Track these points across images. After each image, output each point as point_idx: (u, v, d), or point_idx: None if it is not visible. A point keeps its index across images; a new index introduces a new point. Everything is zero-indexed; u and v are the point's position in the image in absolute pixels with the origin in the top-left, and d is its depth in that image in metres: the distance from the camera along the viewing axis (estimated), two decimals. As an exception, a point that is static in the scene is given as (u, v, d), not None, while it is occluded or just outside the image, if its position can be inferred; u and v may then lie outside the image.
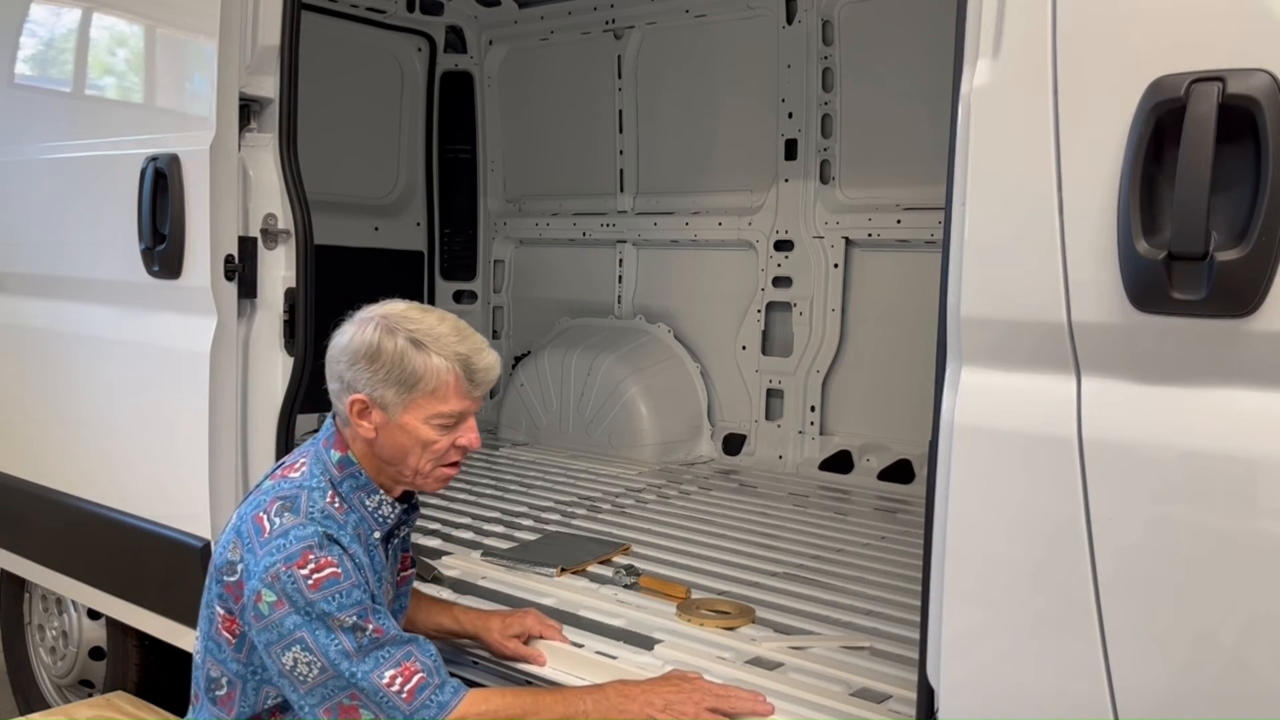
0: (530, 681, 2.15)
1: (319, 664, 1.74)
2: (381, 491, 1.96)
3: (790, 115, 4.11)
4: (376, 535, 1.94)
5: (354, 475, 1.93)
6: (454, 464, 1.97)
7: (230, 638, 1.87)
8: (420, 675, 1.78)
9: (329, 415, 2.01)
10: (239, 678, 1.89)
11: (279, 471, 1.96)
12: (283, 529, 1.80)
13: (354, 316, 1.94)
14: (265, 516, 1.83)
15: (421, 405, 1.88)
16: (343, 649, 1.74)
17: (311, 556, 1.77)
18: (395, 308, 1.94)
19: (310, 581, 1.75)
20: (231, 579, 1.83)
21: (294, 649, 1.75)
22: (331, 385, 1.94)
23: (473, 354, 1.90)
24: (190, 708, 2.01)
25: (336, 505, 1.88)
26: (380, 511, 1.96)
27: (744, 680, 2.05)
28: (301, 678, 1.76)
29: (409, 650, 1.80)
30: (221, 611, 1.87)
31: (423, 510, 2.71)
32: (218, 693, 1.91)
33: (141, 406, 2.79)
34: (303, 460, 1.95)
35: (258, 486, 1.98)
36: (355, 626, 1.76)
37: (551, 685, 2.10)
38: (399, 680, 1.76)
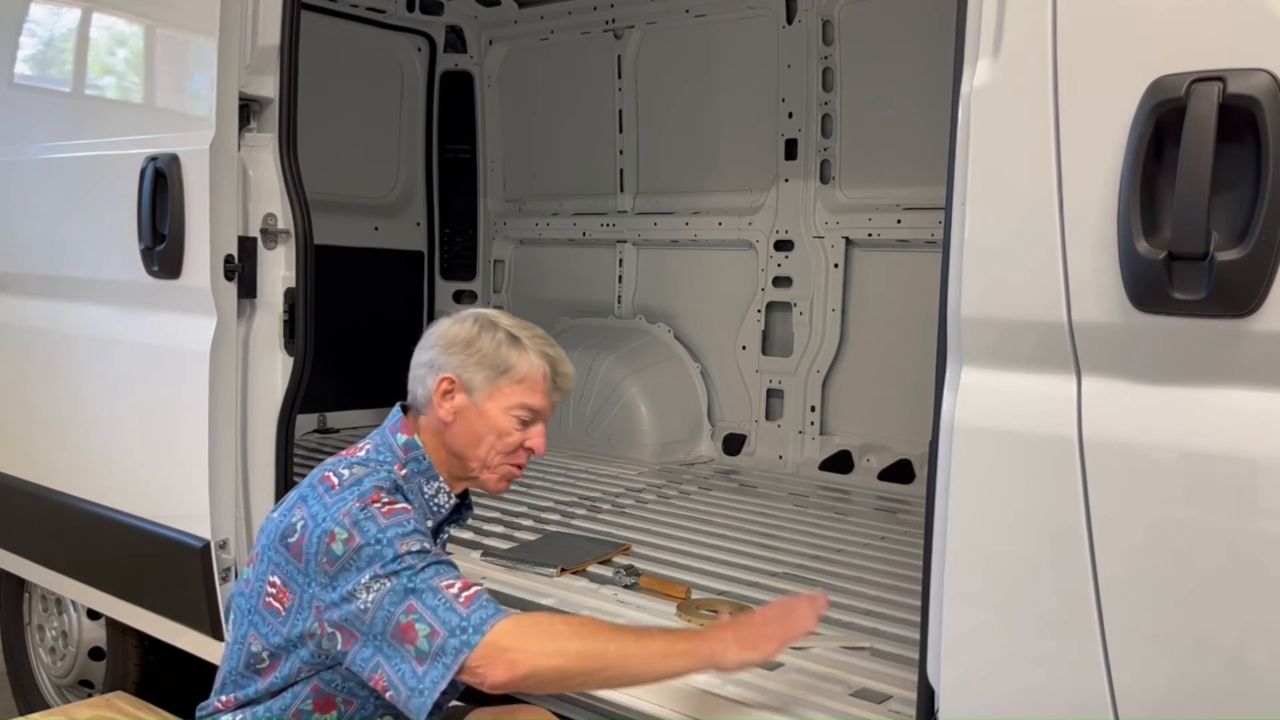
0: None
1: (384, 586, 1.72)
2: (441, 479, 1.99)
3: (790, 115, 4.11)
4: (429, 524, 1.96)
5: (417, 459, 1.96)
6: (520, 466, 2.02)
7: (280, 609, 1.85)
8: (478, 588, 1.77)
9: (397, 404, 2.05)
10: (281, 649, 1.87)
11: (341, 454, 2.00)
12: (354, 478, 1.85)
13: (450, 315, 2.07)
14: (333, 474, 1.87)
15: (506, 394, 1.95)
16: (408, 565, 1.74)
17: (384, 496, 1.81)
18: (490, 310, 2.07)
19: (384, 511, 1.78)
20: (294, 539, 1.82)
21: (365, 578, 1.73)
22: (416, 371, 2.01)
23: (559, 359, 2.02)
24: (214, 693, 1.99)
25: (403, 475, 1.93)
26: (436, 500, 1.99)
27: (744, 680, 2.05)
28: (364, 608, 1.73)
29: (461, 575, 1.81)
30: (277, 581, 1.84)
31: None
32: (260, 666, 1.90)
33: (141, 407, 2.79)
34: (367, 444, 2.00)
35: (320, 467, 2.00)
36: (420, 550, 1.77)
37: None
38: (458, 586, 1.75)
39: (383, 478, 1.86)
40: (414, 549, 1.76)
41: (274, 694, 1.90)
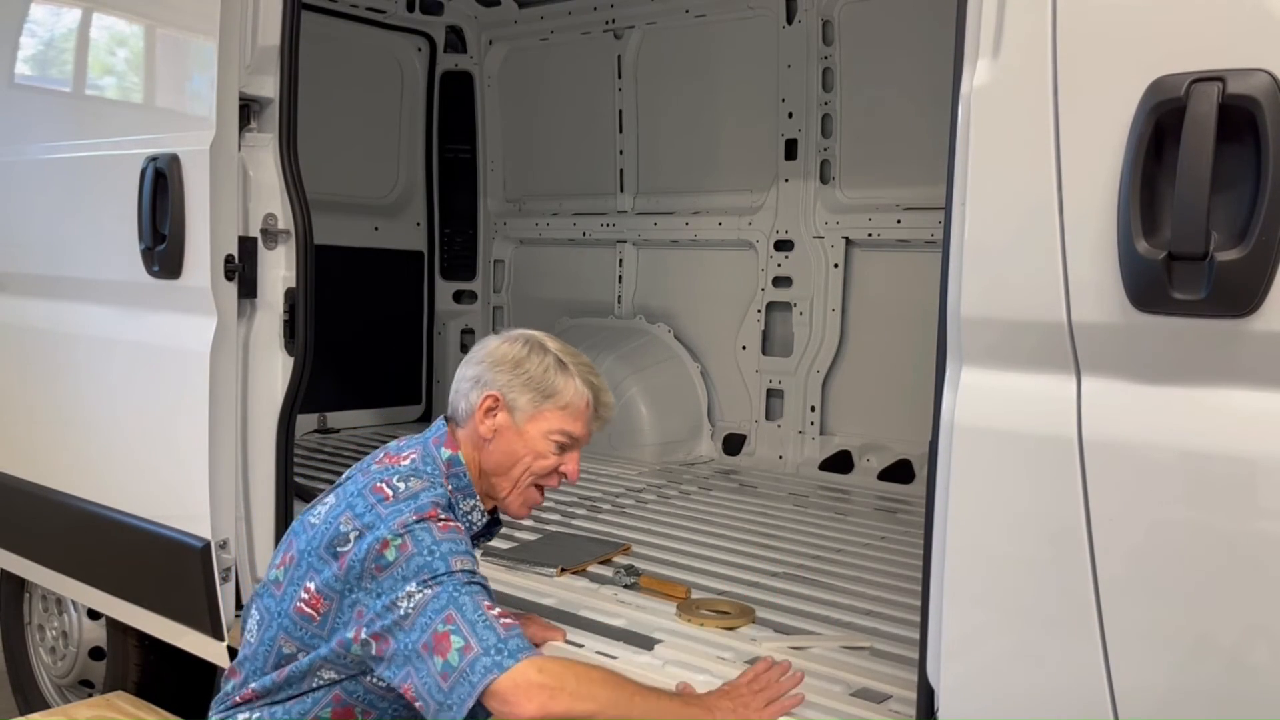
0: None
1: (427, 594, 1.73)
2: (477, 498, 2.02)
3: (790, 115, 4.11)
4: None
5: (458, 476, 1.99)
6: (542, 490, 2.06)
7: (315, 615, 1.85)
8: (516, 623, 1.79)
9: (441, 416, 2.08)
10: (312, 651, 1.88)
11: (382, 459, 2.00)
12: (410, 491, 1.86)
13: (500, 334, 2.11)
14: (386, 485, 1.88)
15: (548, 417, 1.99)
16: (456, 580, 1.76)
17: (440, 513, 1.84)
18: (540, 333, 2.10)
19: (440, 526, 1.81)
20: (345, 548, 1.82)
21: (409, 586, 1.74)
22: (462, 385, 2.04)
23: (603, 390, 2.07)
24: (228, 681, 1.99)
25: (449, 490, 1.96)
26: (471, 516, 2.02)
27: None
28: (405, 613, 1.73)
29: (505, 609, 1.82)
30: (312, 588, 1.85)
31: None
32: (290, 665, 1.92)
33: (142, 407, 2.79)
34: (411, 453, 2.00)
35: (361, 469, 2.00)
36: (472, 570, 1.80)
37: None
38: (497, 609, 1.77)
39: (439, 494, 1.89)
40: (466, 567, 1.79)
41: (292, 688, 1.90)
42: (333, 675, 1.88)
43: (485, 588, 1.81)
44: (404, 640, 1.74)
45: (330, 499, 1.96)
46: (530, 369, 2.00)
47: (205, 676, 3.18)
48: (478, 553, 2.09)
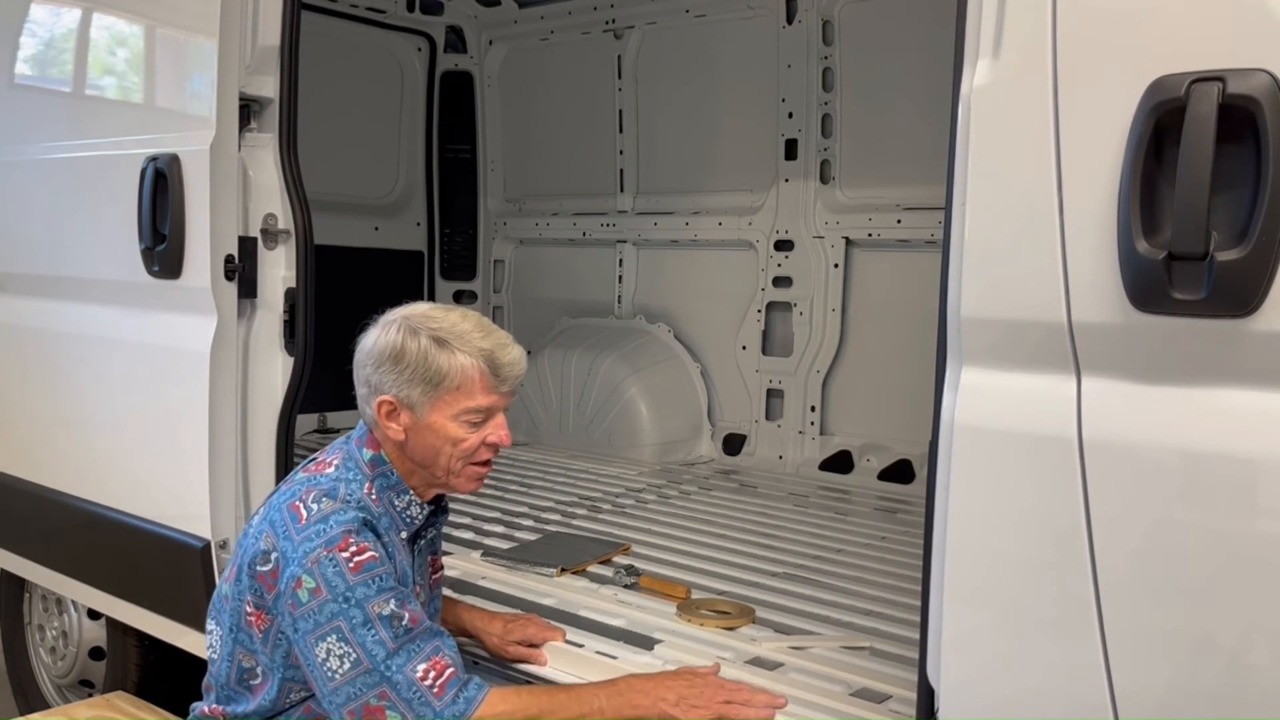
0: (533, 682, 2.15)
1: (353, 656, 1.73)
2: (411, 493, 1.97)
3: (790, 115, 4.11)
4: (403, 535, 1.95)
5: (385, 475, 1.94)
6: (485, 462, 1.97)
7: (258, 631, 1.87)
8: (451, 670, 1.78)
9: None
10: (269, 670, 1.89)
11: (310, 467, 1.97)
12: (321, 514, 1.81)
13: (377, 320, 1.96)
14: (301, 504, 1.83)
15: (448, 403, 1.88)
16: (380, 639, 1.74)
17: (352, 541, 1.78)
18: (417, 309, 1.95)
19: (351, 565, 1.76)
20: (265, 568, 1.82)
21: (329, 639, 1.74)
22: (359, 390, 1.96)
23: (497, 349, 1.91)
24: (206, 697, 2.01)
25: (373, 498, 1.90)
26: (409, 512, 1.97)
27: (744, 680, 2.05)
28: (331, 673, 1.74)
29: (437, 644, 1.80)
30: (251, 604, 1.86)
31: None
32: (252, 682, 1.92)
33: (142, 407, 2.79)
34: (335, 458, 1.96)
35: (288, 479, 1.98)
36: (393, 615, 1.76)
37: (560, 684, 2.09)
38: (431, 674, 1.75)
39: (350, 519, 1.80)
40: (384, 613, 1.75)
41: (266, 714, 1.91)
42: (298, 690, 1.89)
43: (411, 641, 1.77)
44: (331, 697, 1.76)
45: (263, 508, 1.95)
46: (410, 360, 1.87)
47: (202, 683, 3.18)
48: (427, 537, 2.06)
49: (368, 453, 1.94)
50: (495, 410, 1.93)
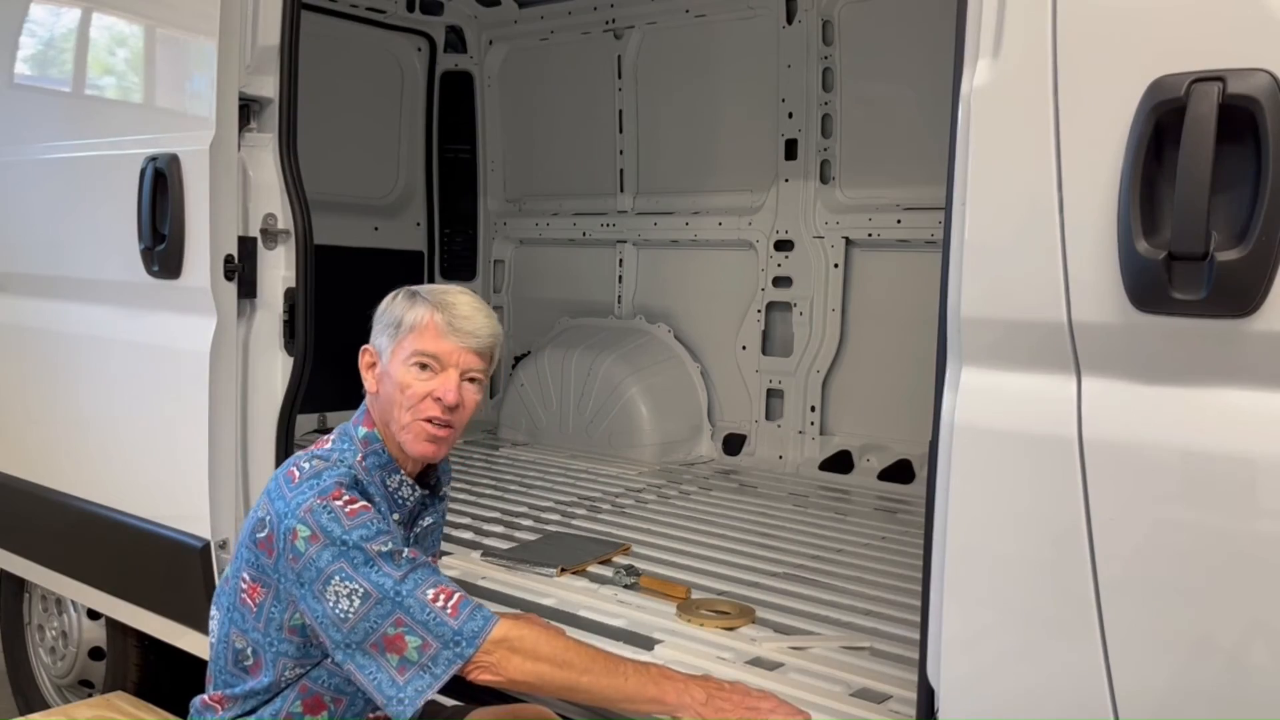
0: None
1: (361, 590, 1.73)
2: (402, 473, 1.98)
3: (790, 115, 4.11)
4: (395, 518, 1.95)
5: (377, 452, 1.95)
6: (434, 422, 1.91)
7: (252, 605, 1.87)
8: (459, 594, 1.79)
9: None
10: (260, 647, 1.89)
11: (311, 446, 2.01)
12: (314, 471, 1.85)
13: None
14: (295, 468, 1.87)
15: (404, 345, 1.93)
16: (384, 572, 1.75)
17: (344, 493, 1.81)
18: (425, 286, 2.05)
19: (347, 511, 1.78)
20: (263, 534, 1.84)
21: (334, 581, 1.74)
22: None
23: (457, 302, 1.95)
24: (207, 687, 2.00)
25: (364, 468, 1.92)
26: (400, 493, 1.98)
27: (744, 680, 2.05)
28: (344, 615, 1.74)
29: (440, 578, 1.82)
30: (247, 578, 1.87)
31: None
32: (246, 663, 1.92)
33: (141, 407, 2.79)
34: (331, 436, 2.00)
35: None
36: (393, 550, 1.77)
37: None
38: (441, 598, 1.77)
39: (342, 473, 1.85)
40: (384, 550, 1.77)
41: (263, 696, 1.91)
42: (293, 667, 1.89)
43: (415, 569, 1.78)
44: (345, 639, 1.76)
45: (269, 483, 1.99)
46: (383, 311, 1.98)
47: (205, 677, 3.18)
48: (423, 524, 2.06)
49: (362, 429, 1.97)
50: (446, 362, 1.91)
